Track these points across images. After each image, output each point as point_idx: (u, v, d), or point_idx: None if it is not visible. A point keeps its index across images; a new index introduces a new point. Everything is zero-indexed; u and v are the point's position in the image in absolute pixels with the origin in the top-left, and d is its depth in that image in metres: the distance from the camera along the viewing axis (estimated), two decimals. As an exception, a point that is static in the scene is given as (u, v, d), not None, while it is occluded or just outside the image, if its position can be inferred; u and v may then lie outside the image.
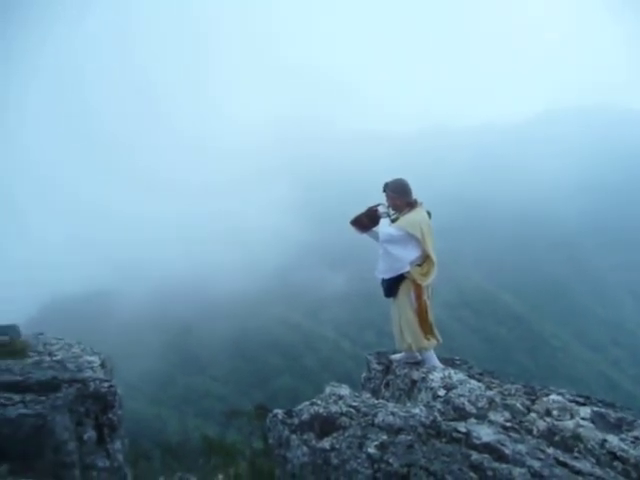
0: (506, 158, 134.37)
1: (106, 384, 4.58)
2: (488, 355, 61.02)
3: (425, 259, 5.00)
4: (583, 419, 3.80)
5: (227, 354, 61.41)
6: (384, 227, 5.04)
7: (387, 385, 5.34)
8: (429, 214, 5.11)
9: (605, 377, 63.26)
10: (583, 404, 4.14)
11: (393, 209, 5.18)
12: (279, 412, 4.21)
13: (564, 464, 3.07)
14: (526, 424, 3.76)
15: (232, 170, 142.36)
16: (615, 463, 3.29)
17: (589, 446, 3.44)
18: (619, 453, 3.35)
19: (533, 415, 3.90)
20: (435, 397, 4.23)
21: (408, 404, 4.38)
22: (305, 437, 3.76)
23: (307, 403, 4.05)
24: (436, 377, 4.56)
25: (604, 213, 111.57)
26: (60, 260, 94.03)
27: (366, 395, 4.44)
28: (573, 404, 4.09)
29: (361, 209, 5.27)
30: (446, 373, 4.65)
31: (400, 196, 5.10)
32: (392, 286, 5.09)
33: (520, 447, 3.19)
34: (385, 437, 3.31)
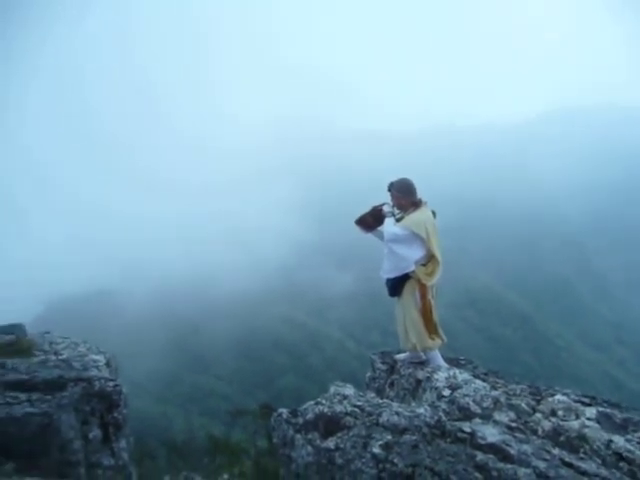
0: (508, 158, 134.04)
1: (111, 383, 4.59)
2: (493, 355, 60.91)
3: (430, 259, 4.99)
4: (589, 419, 3.79)
5: (232, 353, 61.50)
6: (389, 226, 5.03)
7: (392, 385, 5.34)
8: (434, 213, 5.10)
9: (610, 377, 63.04)
10: (588, 404, 4.12)
11: (398, 208, 5.17)
12: (284, 411, 4.21)
13: (570, 465, 3.07)
14: (531, 424, 3.75)
15: (235, 170, 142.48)
16: (621, 464, 3.28)
17: (595, 447, 3.43)
18: (625, 454, 3.33)
19: (538, 415, 3.89)
20: (440, 397, 4.22)
21: (413, 404, 4.37)
22: (310, 437, 3.76)
23: (312, 403, 4.05)
24: (441, 377, 4.55)
25: (608, 212, 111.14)
26: (65, 260, 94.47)
27: (371, 395, 4.44)
28: (578, 404, 4.08)
29: (365, 209, 5.27)
30: (451, 373, 4.65)
31: (405, 195, 5.09)
32: (397, 285, 5.08)
33: (525, 447, 3.18)
34: (390, 437, 3.30)
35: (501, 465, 2.93)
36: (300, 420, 3.96)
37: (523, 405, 4.05)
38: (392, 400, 4.68)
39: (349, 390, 4.28)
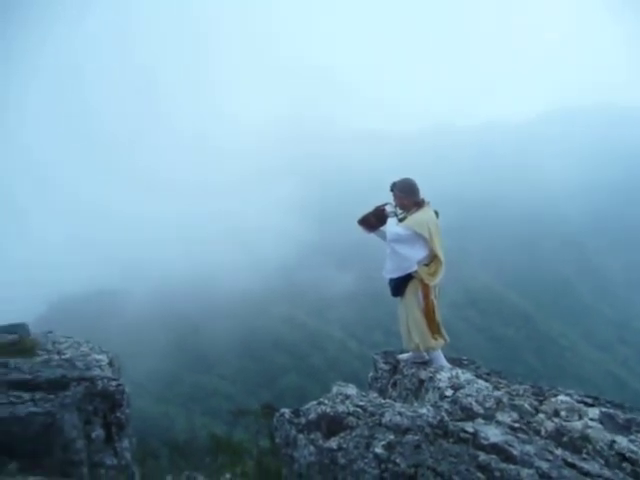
0: (509, 158, 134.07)
1: (114, 383, 4.60)
2: (495, 355, 60.85)
3: (433, 259, 4.99)
4: (592, 420, 3.78)
5: (234, 353, 61.54)
6: (392, 226, 5.03)
7: (394, 385, 5.33)
8: (437, 214, 5.09)
9: (613, 376, 62.92)
10: (592, 405, 4.11)
11: (401, 208, 5.17)
12: (286, 411, 4.21)
13: (572, 465, 3.06)
14: (534, 425, 3.74)
15: (235, 170, 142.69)
16: (624, 464, 3.27)
17: (598, 447, 3.42)
18: (628, 454, 3.32)
19: (541, 416, 3.88)
20: (442, 397, 4.22)
21: (415, 404, 4.37)
22: (312, 437, 3.76)
23: (314, 403, 4.05)
24: (443, 377, 4.55)
25: (609, 212, 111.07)
26: (67, 260, 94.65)
27: (373, 395, 4.44)
28: (581, 405, 4.07)
29: (366, 209, 5.26)
30: (453, 373, 4.64)
31: (408, 195, 5.09)
32: (399, 285, 5.08)
33: (528, 448, 3.18)
34: (392, 437, 3.30)
35: (504, 465, 2.93)
36: (302, 420, 3.96)
37: (526, 405, 4.04)
38: (395, 400, 4.68)
39: (351, 390, 4.28)
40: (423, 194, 5.15)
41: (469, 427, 3.41)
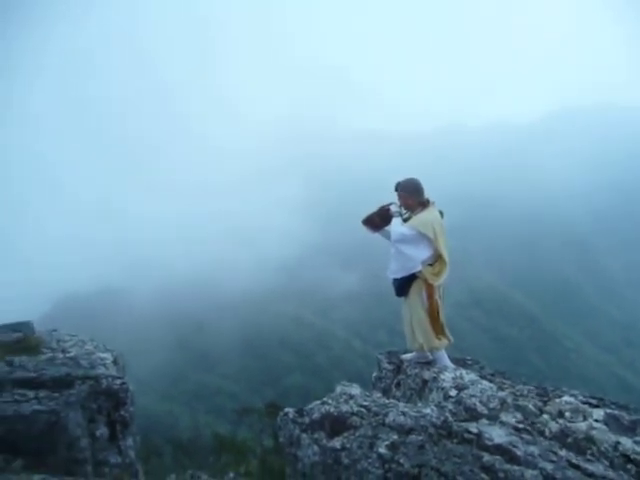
0: (513, 158, 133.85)
1: (118, 381, 4.61)
2: (499, 355, 60.74)
3: (437, 259, 4.97)
4: (596, 421, 3.77)
5: (238, 352, 61.65)
6: (396, 226, 5.01)
7: (398, 385, 5.33)
8: (441, 214, 5.07)
9: (618, 378, 62.69)
10: (596, 406, 4.10)
11: (405, 208, 5.15)
12: (290, 411, 4.21)
13: (577, 466, 3.05)
14: (538, 425, 3.73)
15: (239, 170, 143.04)
16: (629, 466, 3.26)
17: (602, 448, 3.41)
18: (633, 456, 3.31)
19: (545, 416, 3.87)
20: (446, 397, 4.21)
21: (419, 404, 4.36)
22: (316, 436, 3.76)
23: (318, 402, 4.05)
24: (447, 377, 4.54)
25: (616, 212, 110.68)
26: (72, 259, 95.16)
27: (377, 395, 4.44)
28: (586, 406, 4.05)
29: (370, 208, 5.26)
30: (457, 373, 4.63)
31: (412, 195, 5.07)
32: (404, 285, 5.07)
33: (532, 449, 3.17)
34: (396, 437, 3.30)
35: (508, 466, 2.92)
36: (306, 420, 3.96)
37: (530, 406, 4.03)
38: (398, 400, 4.67)
39: (355, 390, 4.27)
40: (430, 193, 5.13)
41: (473, 428, 3.40)
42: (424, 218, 4.92)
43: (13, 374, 4.42)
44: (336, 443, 3.51)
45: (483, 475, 2.84)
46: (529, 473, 2.84)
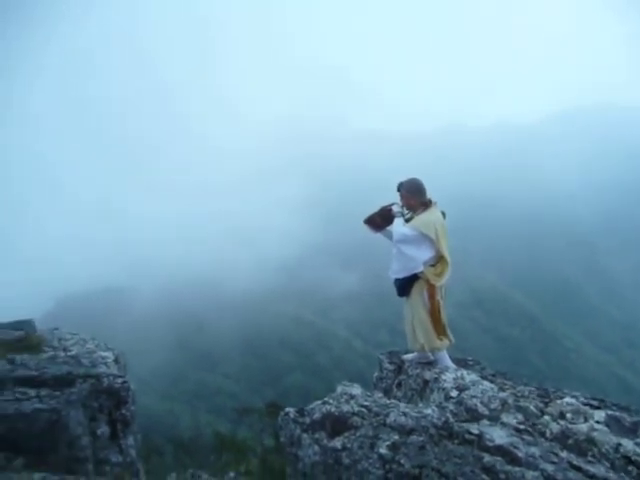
0: (515, 157, 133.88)
1: (119, 380, 4.62)
2: (500, 356, 60.70)
3: (439, 259, 4.97)
4: (597, 422, 3.76)
5: (238, 351, 61.71)
6: (398, 227, 5.01)
7: (399, 385, 5.32)
8: (443, 214, 5.07)
9: (619, 379, 62.63)
10: (597, 407, 4.09)
11: (407, 209, 5.15)
12: (291, 411, 4.21)
13: (578, 468, 3.05)
14: (539, 427, 3.72)
15: (240, 170, 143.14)
16: (630, 468, 3.25)
17: (603, 450, 3.40)
18: (634, 457, 3.30)
19: (546, 418, 3.86)
20: (447, 398, 4.21)
21: (420, 404, 4.36)
22: (316, 436, 3.76)
23: (319, 402, 4.05)
24: (448, 378, 4.54)
25: (617, 213, 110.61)
26: (74, 258, 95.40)
27: (378, 395, 4.43)
28: (587, 407, 4.05)
29: (372, 208, 5.25)
30: (459, 374, 4.63)
31: (414, 196, 5.07)
32: (405, 286, 5.07)
33: (533, 450, 3.17)
34: (397, 437, 3.30)
35: (509, 467, 2.92)
36: (307, 419, 3.96)
37: (531, 407, 4.02)
38: (399, 400, 4.67)
39: (356, 390, 4.27)
40: (432, 194, 5.13)
41: (474, 428, 3.40)
42: (426, 219, 4.92)
43: (14, 372, 4.43)
44: (337, 443, 3.51)
45: (484, 476, 2.84)
46: (530, 474, 2.84)
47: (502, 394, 4.20)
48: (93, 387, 4.35)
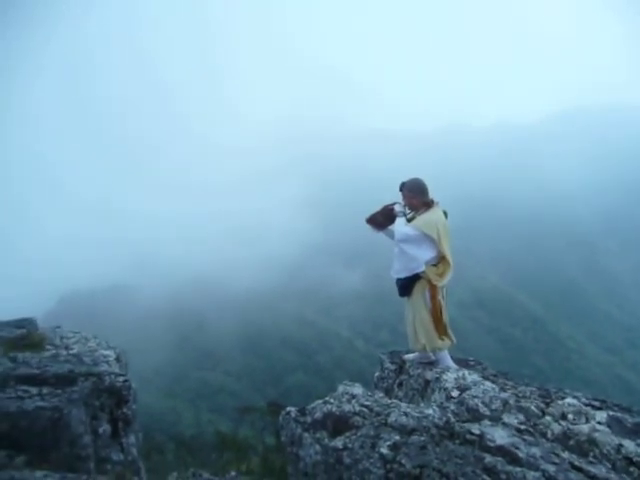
0: (518, 158, 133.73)
1: (121, 378, 4.62)
2: (502, 356, 60.65)
3: (441, 259, 4.96)
4: (599, 423, 3.76)
5: (240, 350, 61.75)
6: (400, 226, 5.01)
7: (400, 385, 5.32)
8: (445, 214, 5.07)
9: (621, 380, 62.53)
10: (599, 408, 4.09)
11: (409, 208, 5.15)
12: (292, 410, 4.21)
13: (579, 469, 3.04)
14: (541, 427, 3.72)
15: (242, 169, 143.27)
16: (631, 469, 3.25)
17: (605, 451, 3.40)
18: (635, 459, 3.30)
19: (548, 418, 3.86)
20: (449, 398, 4.20)
21: (421, 404, 4.36)
22: (318, 435, 3.75)
23: (320, 402, 4.05)
24: (450, 378, 4.53)
25: (619, 213, 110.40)
26: (76, 257, 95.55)
27: (379, 394, 4.43)
28: (589, 408, 4.04)
29: (374, 208, 5.25)
30: (460, 374, 4.62)
31: (416, 195, 5.07)
32: (407, 286, 5.07)
33: (534, 450, 3.16)
34: (398, 437, 3.29)
35: (510, 468, 2.91)
36: (308, 419, 3.96)
37: (532, 407, 4.02)
38: (401, 400, 4.67)
39: (358, 389, 4.27)
40: (435, 194, 5.13)
41: (475, 429, 3.39)
42: (428, 218, 4.92)
43: (16, 370, 4.44)
44: (338, 443, 3.51)
45: (485, 476, 2.84)
46: (531, 475, 2.84)
47: (503, 394, 4.20)
48: (95, 385, 4.36)
